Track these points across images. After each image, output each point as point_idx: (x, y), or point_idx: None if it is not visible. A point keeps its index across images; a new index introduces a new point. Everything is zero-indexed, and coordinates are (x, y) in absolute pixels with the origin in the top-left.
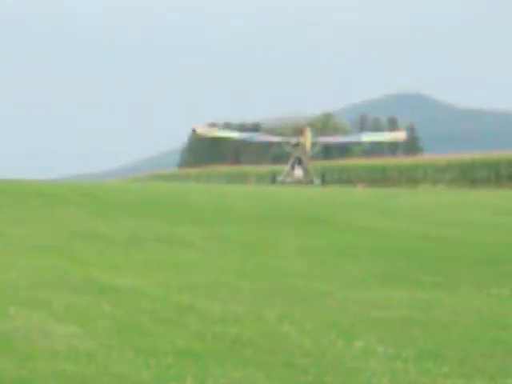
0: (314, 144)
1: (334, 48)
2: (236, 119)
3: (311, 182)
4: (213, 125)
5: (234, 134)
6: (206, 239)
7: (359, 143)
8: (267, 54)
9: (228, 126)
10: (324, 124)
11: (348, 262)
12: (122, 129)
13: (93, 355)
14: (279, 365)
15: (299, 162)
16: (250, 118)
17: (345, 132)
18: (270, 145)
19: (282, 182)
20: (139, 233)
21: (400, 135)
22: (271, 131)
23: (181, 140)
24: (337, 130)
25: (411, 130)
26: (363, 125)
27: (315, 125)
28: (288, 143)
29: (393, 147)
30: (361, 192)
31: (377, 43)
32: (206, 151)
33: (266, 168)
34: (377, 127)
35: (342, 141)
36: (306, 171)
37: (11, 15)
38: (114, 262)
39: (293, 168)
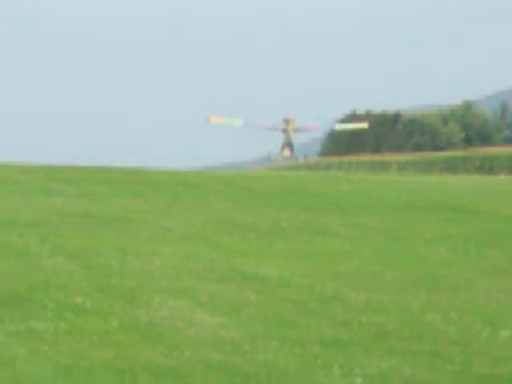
0: (296, 130)
1: (477, 33)
2: (377, 108)
3: (296, 158)
4: (353, 113)
5: (239, 122)
6: (349, 228)
7: (332, 130)
8: (409, 40)
9: (369, 114)
10: (464, 113)
11: (492, 250)
12: (265, 118)
13: (239, 344)
14: (425, 354)
15: (287, 144)
16: (391, 107)
17: (485, 121)
18: (410, 133)
19: (276, 159)
20: (282, 222)
21: (362, 125)
22: (413, 120)
23: (323, 129)
24: (477, 119)
25: None
26: (504, 113)
27: (456, 113)
28: (278, 129)
29: None
30: (503, 180)
31: None
32: (346, 140)
33: (407, 156)
34: None
35: (319, 129)
36: (291, 152)
37: None
38: (258, 251)
39: (283, 149)
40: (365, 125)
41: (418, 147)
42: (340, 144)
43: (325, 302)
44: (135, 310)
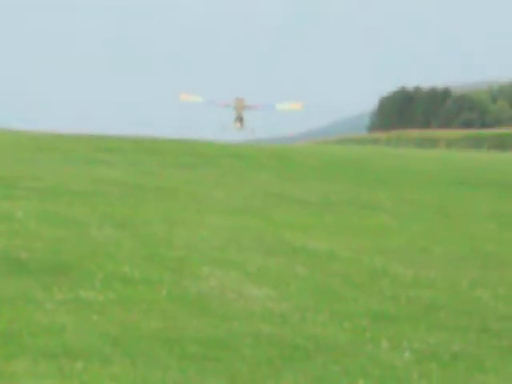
0: (245, 107)
1: None
2: (427, 84)
3: (246, 130)
4: (402, 89)
5: (200, 99)
6: (398, 203)
7: (273, 110)
8: (460, 14)
9: (418, 91)
10: None
11: None
12: (312, 91)
13: (288, 317)
14: (474, 329)
15: (237, 119)
16: (440, 83)
17: None
18: (459, 110)
19: (228, 130)
20: (331, 196)
21: (297, 106)
22: (462, 97)
23: (371, 103)
24: None
25: None
26: None
27: (505, 91)
28: (230, 107)
29: None
30: None
31: None
32: (395, 115)
33: (456, 133)
34: None
35: (262, 107)
36: (241, 124)
37: None
38: (307, 224)
39: (235, 122)
40: (299, 105)
41: (467, 124)
42: (388, 119)
43: (373, 277)
44: (184, 281)
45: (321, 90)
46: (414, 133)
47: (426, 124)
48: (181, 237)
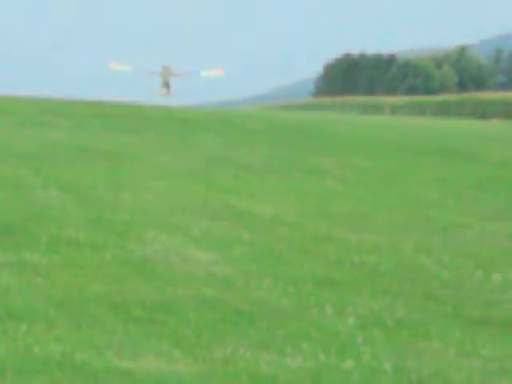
0: (172, 75)
1: None
2: (371, 50)
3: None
4: (347, 55)
5: (129, 68)
6: (343, 169)
7: (198, 77)
8: None
9: (363, 57)
10: (458, 57)
11: (485, 194)
12: (258, 57)
13: (232, 281)
14: (418, 296)
15: (164, 85)
16: (385, 50)
17: (479, 65)
18: (404, 76)
19: (155, 96)
20: (276, 161)
21: (219, 72)
22: (407, 63)
23: (316, 69)
24: (471, 64)
25: None
26: (498, 58)
27: (450, 57)
28: (157, 74)
29: None
30: (496, 125)
31: None
32: (340, 81)
33: (400, 99)
34: None
35: (188, 74)
36: (168, 90)
37: None
38: (252, 189)
39: (161, 88)
40: (221, 71)
41: (412, 90)
42: (333, 85)
43: (317, 242)
44: (128, 244)
45: (262, 55)
46: (359, 99)
47: (371, 90)
48: (126, 200)
